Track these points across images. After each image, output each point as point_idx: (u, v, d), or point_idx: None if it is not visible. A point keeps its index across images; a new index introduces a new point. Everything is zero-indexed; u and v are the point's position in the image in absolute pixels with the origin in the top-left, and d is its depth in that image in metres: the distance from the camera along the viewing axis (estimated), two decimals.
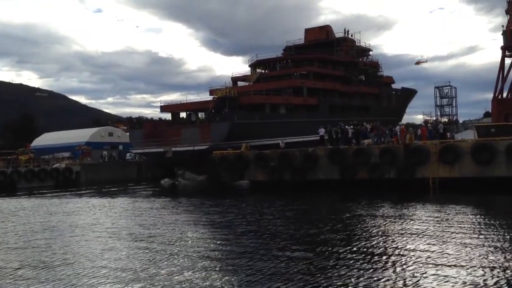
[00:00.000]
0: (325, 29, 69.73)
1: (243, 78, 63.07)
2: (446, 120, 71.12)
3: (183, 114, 55.07)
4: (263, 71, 62.64)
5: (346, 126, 33.79)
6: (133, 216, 22.37)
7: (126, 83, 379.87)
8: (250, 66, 63.68)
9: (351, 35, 69.64)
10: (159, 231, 17.45)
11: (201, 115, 52.67)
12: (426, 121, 64.56)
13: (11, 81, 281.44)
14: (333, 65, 64.20)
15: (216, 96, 50.67)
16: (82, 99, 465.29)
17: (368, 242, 13.89)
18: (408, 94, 79.98)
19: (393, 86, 78.08)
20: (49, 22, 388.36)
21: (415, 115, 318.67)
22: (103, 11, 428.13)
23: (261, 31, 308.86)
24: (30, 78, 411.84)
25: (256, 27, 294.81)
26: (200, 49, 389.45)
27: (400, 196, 24.67)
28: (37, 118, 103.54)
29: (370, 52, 73.77)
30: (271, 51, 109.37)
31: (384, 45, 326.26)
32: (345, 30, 69.96)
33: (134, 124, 49.17)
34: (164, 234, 16.61)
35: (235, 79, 63.56)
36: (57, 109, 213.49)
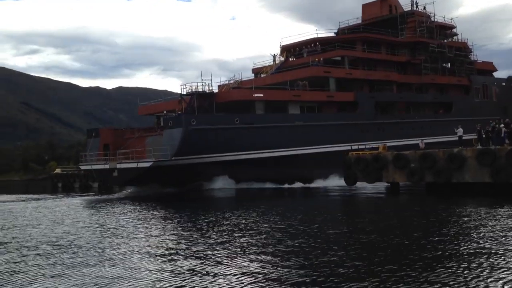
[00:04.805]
0: (388, 3, 53.41)
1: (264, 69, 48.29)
2: None
3: None
4: (291, 59, 48.19)
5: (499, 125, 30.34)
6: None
7: None
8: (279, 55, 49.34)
9: (423, 8, 53.03)
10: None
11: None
12: None
13: (156, 88, 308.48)
14: (390, 48, 48.87)
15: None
16: None
17: None
18: None
19: (496, 75, 60.89)
20: (188, 32, 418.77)
21: None
22: (237, 18, 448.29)
23: None
24: (174, 84, 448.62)
25: None
26: None
27: None
28: None
29: (455, 30, 55.74)
30: None
31: None
32: (412, 1, 53.06)
33: (91, 131, 40.35)
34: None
35: (256, 71, 49.14)
36: None
